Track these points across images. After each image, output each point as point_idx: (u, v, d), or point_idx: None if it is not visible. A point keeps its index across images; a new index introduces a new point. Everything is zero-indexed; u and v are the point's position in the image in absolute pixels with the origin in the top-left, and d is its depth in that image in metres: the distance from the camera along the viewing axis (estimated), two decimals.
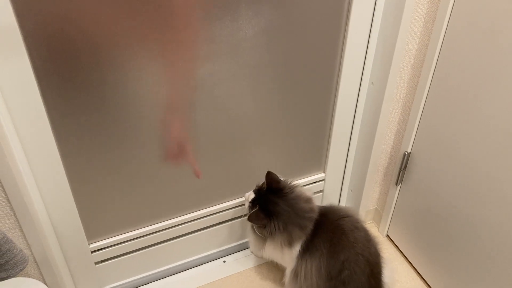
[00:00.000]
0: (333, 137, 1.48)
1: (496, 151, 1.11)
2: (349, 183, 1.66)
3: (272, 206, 1.25)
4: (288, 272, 1.34)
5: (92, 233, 1.32)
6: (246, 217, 1.30)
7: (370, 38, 1.30)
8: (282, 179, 1.31)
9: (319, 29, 1.23)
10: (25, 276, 1.21)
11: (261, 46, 1.18)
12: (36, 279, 1.15)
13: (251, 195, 1.31)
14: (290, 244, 1.25)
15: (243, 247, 1.63)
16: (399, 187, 1.53)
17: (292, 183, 1.31)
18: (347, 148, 1.56)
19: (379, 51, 1.31)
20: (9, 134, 0.99)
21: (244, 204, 1.50)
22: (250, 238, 1.41)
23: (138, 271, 1.50)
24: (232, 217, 1.54)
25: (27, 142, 1.05)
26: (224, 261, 1.59)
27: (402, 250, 1.62)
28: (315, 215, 1.27)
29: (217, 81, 1.19)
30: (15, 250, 0.89)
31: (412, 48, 1.28)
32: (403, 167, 1.46)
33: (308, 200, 1.30)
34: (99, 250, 1.36)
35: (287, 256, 1.30)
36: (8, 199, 1.05)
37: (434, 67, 1.24)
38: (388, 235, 1.68)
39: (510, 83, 1.02)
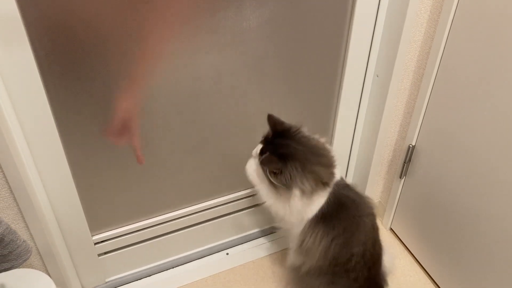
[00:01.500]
0: (337, 129, 1.48)
1: (501, 144, 1.10)
2: (353, 176, 1.65)
3: (283, 148, 1.11)
4: (296, 233, 1.22)
5: (95, 225, 1.32)
6: (260, 160, 1.13)
7: (375, 30, 1.29)
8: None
9: (323, 21, 1.22)
10: (28, 267, 1.21)
11: (265, 37, 1.17)
12: (39, 270, 1.14)
13: (258, 147, 1.17)
14: (316, 186, 1.10)
15: (247, 240, 1.63)
16: (403, 180, 1.52)
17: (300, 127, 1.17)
18: (351, 141, 1.55)
19: (384, 43, 1.30)
20: (12, 126, 0.99)
21: (249, 196, 1.50)
22: (261, 188, 1.20)
23: (141, 263, 1.50)
24: (235, 210, 1.54)
25: (30, 134, 1.05)
26: (227, 254, 1.59)
27: (405, 243, 1.61)
28: (334, 161, 1.15)
29: (221, 72, 1.18)
30: (18, 241, 0.89)
31: (417, 40, 1.27)
32: (407, 160, 1.46)
33: (322, 144, 1.17)
34: (102, 242, 1.36)
35: (301, 209, 1.14)
36: (11, 190, 1.05)
37: (439, 59, 1.23)
38: (391, 228, 1.68)
39: None
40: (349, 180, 1.67)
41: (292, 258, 1.29)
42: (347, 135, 1.52)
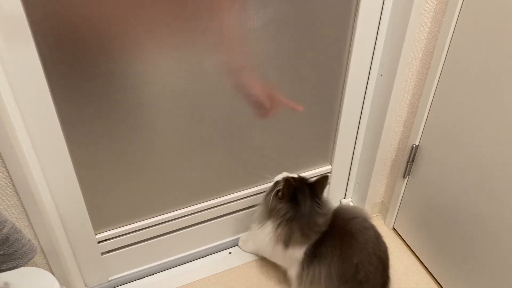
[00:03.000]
0: (340, 129, 1.48)
1: (506, 144, 1.09)
2: (356, 175, 1.65)
3: (302, 196, 1.23)
4: (293, 276, 1.32)
5: (98, 224, 1.32)
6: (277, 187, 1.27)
7: (379, 29, 1.29)
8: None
9: (327, 20, 1.22)
10: (32, 266, 1.22)
11: (268, 37, 1.17)
12: (43, 268, 1.15)
13: (291, 175, 1.30)
14: (285, 243, 1.24)
15: None
16: (406, 180, 1.52)
17: (329, 203, 1.31)
18: (354, 141, 1.55)
19: (388, 42, 1.30)
20: (16, 124, 0.99)
21: (251, 195, 1.50)
22: (259, 208, 1.38)
23: (144, 261, 1.50)
24: (238, 209, 1.54)
25: (33, 132, 1.05)
26: (230, 252, 1.59)
27: (408, 243, 1.61)
28: (322, 229, 1.25)
29: (225, 71, 1.18)
30: (23, 240, 0.89)
31: (421, 40, 1.27)
32: (410, 159, 1.45)
33: (326, 212, 1.28)
34: (105, 240, 1.36)
35: (279, 254, 1.28)
36: (15, 189, 1.05)
37: (444, 59, 1.23)
38: (394, 228, 1.68)
39: None
40: (352, 179, 1.67)
41: None
42: (350, 135, 1.52)
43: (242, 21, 1.11)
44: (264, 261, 1.54)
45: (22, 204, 1.09)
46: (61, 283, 1.28)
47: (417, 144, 1.42)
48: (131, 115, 1.15)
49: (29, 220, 1.13)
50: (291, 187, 1.23)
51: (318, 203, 1.26)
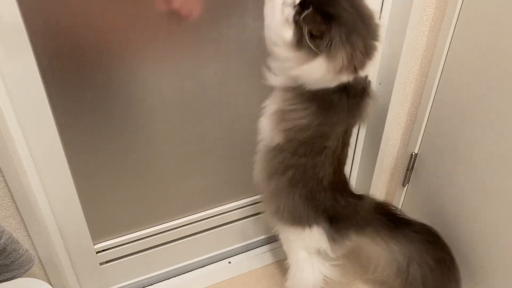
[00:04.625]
0: None
1: (504, 153, 1.09)
2: (355, 183, 1.65)
3: (331, 6, 0.89)
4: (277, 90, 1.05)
5: (97, 234, 1.32)
6: (301, 17, 0.89)
7: None
8: None
9: None
10: (30, 276, 1.21)
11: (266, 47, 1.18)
12: (41, 279, 1.14)
13: None
14: (349, 63, 0.91)
15: (249, 248, 1.62)
16: (405, 188, 1.52)
17: None
18: (353, 148, 1.55)
19: (386, 50, 1.30)
20: (15, 134, 0.99)
21: (251, 204, 1.50)
22: (287, 55, 0.96)
23: (143, 272, 1.50)
24: (237, 218, 1.53)
25: (32, 142, 1.05)
26: (230, 262, 1.58)
27: None
28: (376, 47, 0.95)
29: (223, 81, 1.19)
30: (21, 251, 0.88)
31: (419, 48, 1.27)
32: (410, 168, 1.45)
33: (372, 13, 0.95)
34: (104, 250, 1.36)
35: (312, 74, 0.94)
36: (13, 199, 1.05)
37: (442, 67, 1.23)
38: None
39: None
40: (351, 187, 1.67)
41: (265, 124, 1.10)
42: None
43: None
44: (264, 271, 1.54)
45: (20, 214, 1.08)
46: None
47: (416, 152, 1.41)
48: (129, 124, 1.15)
49: (27, 230, 1.12)
50: (315, 17, 0.88)
51: None
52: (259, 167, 1.17)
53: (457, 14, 1.14)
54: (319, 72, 0.92)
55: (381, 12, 1.24)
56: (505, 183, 1.11)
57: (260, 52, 1.18)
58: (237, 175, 1.41)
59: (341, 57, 0.90)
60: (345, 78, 0.94)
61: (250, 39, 1.15)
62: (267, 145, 1.11)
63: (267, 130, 1.09)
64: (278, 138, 1.06)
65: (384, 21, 1.26)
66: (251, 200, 1.50)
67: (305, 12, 0.88)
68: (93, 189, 1.22)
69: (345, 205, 1.18)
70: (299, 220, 1.16)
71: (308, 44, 0.89)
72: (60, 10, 0.92)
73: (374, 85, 1.38)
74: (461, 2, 1.12)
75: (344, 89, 0.97)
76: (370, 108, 1.07)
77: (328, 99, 0.98)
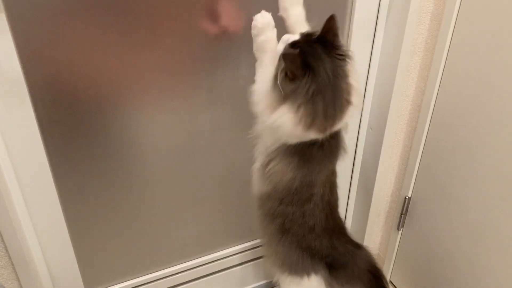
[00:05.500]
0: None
1: (496, 196, 1.11)
2: (350, 228, 1.64)
3: (315, 60, 0.90)
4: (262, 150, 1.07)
5: (90, 282, 1.29)
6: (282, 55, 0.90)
7: (367, 85, 1.32)
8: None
9: None
10: None
11: None
12: None
13: (292, 37, 0.94)
14: (311, 122, 0.92)
15: None
16: (400, 231, 1.52)
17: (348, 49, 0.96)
18: (347, 193, 1.55)
19: (376, 96, 1.33)
20: (9, 180, 0.99)
21: (250, 249, 1.48)
22: (264, 92, 0.97)
23: None
24: (236, 263, 1.51)
25: (27, 190, 1.05)
26: None
27: None
28: (344, 115, 0.95)
29: (219, 127, 1.20)
30: None
31: (409, 94, 1.31)
32: (404, 211, 1.46)
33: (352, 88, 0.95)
34: None
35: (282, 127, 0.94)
36: (6, 249, 1.04)
37: (431, 112, 1.26)
38: (391, 281, 1.65)
39: (507, 130, 1.04)
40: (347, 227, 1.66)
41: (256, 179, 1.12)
42: (343, 187, 1.52)
43: None
44: None
45: (12, 264, 1.07)
46: None
47: (409, 195, 1.42)
48: (124, 172, 1.15)
49: (19, 280, 1.10)
50: (296, 59, 0.88)
51: (336, 52, 0.93)
52: (256, 212, 1.18)
53: (444, 62, 1.18)
54: (287, 123, 0.92)
55: (370, 59, 1.28)
56: (499, 222, 1.12)
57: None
58: (234, 220, 1.41)
59: (302, 112, 0.90)
60: (315, 136, 0.95)
61: (244, 86, 1.18)
62: (257, 192, 1.12)
63: (256, 179, 1.11)
64: (266, 187, 1.08)
65: (373, 67, 1.30)
66: (250, 245, 1.49)
67: (290, 51, 0.90)
68: (87, 236, 1.21)
69: (343, 252, 1.16)
70: (296, 269, 1.15)
71: (279, 84, 0.90)
72: (59, 63, 0.95)
73: (365, 130, 1.40)
74: (447, 50, 1.16)
75: (320, 142, 0.98)
76: (347, 126, 1.04)
77: (307, 152, 1.00)
